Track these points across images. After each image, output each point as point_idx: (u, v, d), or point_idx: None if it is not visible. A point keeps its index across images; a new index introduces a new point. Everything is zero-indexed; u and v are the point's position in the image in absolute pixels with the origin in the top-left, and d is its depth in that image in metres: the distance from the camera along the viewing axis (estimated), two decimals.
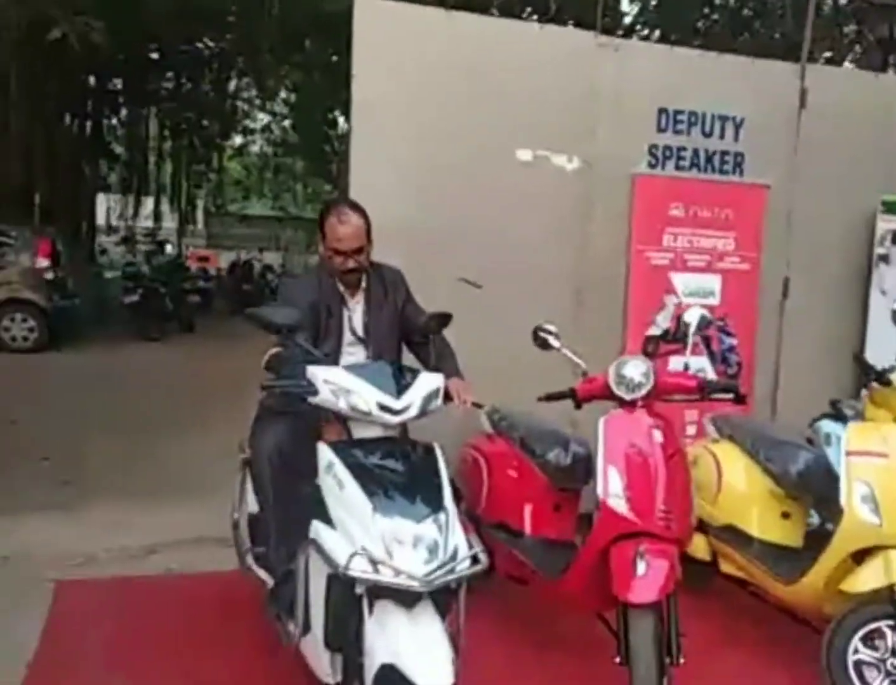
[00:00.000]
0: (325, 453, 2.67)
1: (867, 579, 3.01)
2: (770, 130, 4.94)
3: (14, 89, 13.69)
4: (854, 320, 5.23)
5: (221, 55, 20.25)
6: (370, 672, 2.45)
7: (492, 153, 4.46)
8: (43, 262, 10.96)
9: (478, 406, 3.07)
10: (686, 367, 3.37)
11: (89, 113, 20.47)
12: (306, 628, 2.69)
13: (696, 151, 4.87)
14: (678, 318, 3.46)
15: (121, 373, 9.27)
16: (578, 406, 3.31)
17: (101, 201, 26.37)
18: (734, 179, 4.95)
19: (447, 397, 2.95)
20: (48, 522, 4.47)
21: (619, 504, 2.94)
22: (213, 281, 19.82)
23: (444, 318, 3.11)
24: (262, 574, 3.10)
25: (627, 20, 16.87)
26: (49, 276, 11.02)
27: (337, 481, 2.60)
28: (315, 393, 2.70)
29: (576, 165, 4.61)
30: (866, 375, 3.29)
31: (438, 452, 2.78)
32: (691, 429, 4.80)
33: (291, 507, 2.86)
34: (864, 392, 3.33)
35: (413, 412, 2.72)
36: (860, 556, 3.07)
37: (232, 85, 22.69)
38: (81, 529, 4.40)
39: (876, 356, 3.78)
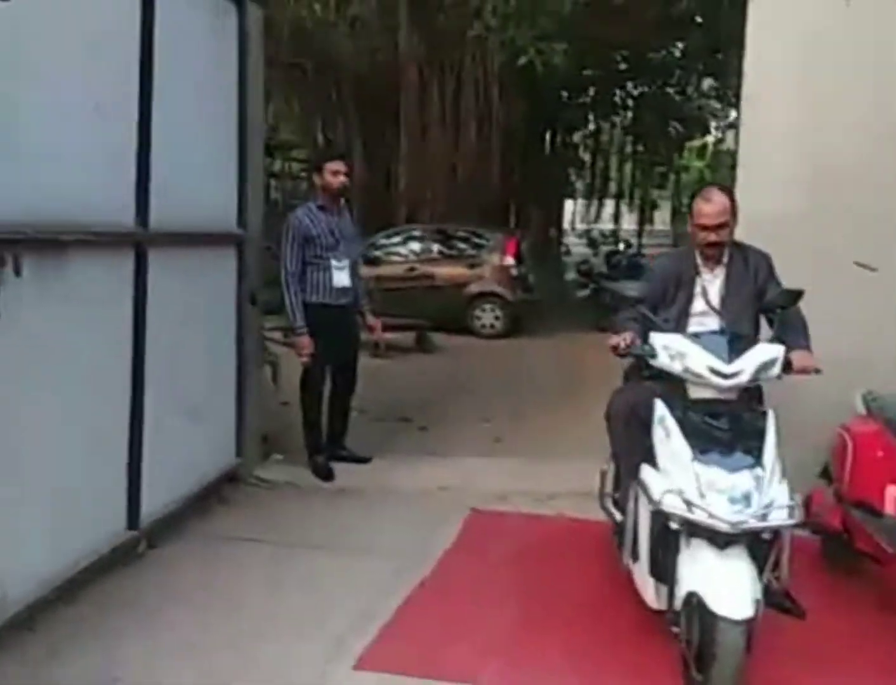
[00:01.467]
0: (659, 408, 3.10)
1: None
2: None
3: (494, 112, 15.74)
4: None
5: (687, 58, 20.62)
6: (679, 598, 2.84)
7: (887, 138, 4.32)
8: (509, 261, 12.54)
9: (816, 371, 3.18)
10: None
11: (558, 127, 22.43)
12: (635, 557, 3.15)
13: None
14: None
15: (568, 356, 10.25)
16: None
17: (568, 206, 28.70)
18: None
19: (789, 367, 3.14)
20: (480, 466, 5.50)
21: None
22: None
23: (793, 295, 3.31)
24: (614, 511, 3.62)
25: None
26: (514, 272, 12.58)
27: (665, 431, 3.02)
28: (655, 356, 3.14)
29: None
30: None
31: (771, 419, 3.02)
32: None
33: (637, 456, 3.31)
34: None
35: (744, 377, 3.00)
36: None
37: (699, 85, 22.89)
38: (502, 474, 5.34)
39: None
